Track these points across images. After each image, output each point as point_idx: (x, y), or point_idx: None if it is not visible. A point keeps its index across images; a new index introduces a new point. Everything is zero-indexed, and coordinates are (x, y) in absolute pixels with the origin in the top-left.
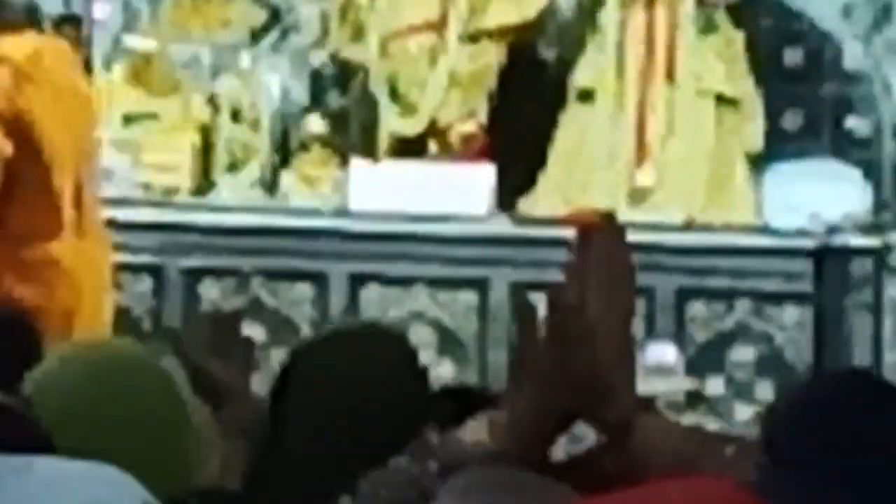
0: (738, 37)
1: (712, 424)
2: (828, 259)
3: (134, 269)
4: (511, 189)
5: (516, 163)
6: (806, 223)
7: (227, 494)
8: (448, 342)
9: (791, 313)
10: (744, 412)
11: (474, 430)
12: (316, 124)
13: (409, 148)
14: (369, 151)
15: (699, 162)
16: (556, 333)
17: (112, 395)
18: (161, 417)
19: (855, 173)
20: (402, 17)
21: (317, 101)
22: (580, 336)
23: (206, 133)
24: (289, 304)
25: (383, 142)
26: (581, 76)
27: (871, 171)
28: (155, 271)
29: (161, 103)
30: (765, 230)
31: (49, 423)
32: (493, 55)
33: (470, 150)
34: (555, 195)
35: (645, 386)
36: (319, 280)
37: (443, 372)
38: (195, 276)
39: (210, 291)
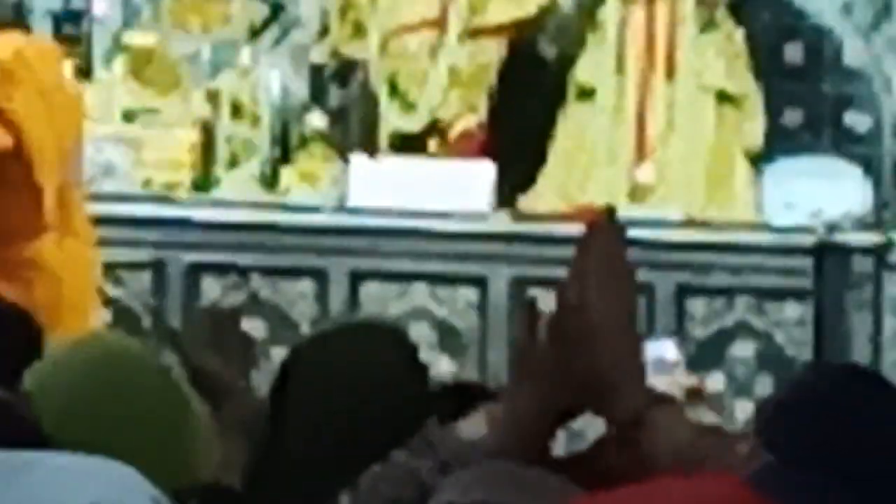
0: (739, 34)
1: (711, 421)
2: (828, 256)
3: (134, 265)
4: (511, 186)
5: (516, 160)
6: (806, 220)
7: (226, 492)
8: (448, 339)
9: (791, 310)
10: (744, 409)
11: (473, 425)
12: (316, 121)
13: (409, 144)
14: (369, 148)
15: (699, 159)
16: (556, 333)
17: (112, 393)
18: (161, 414)
19: (855, 170)
20: (403, 13)
21: (317, 97)
22: (581, 335)
23: (207, 129)
24: (289, 301)
25: (383, 138)
26: (581, 73)
27: (872, 169)
28: (155, 267)
29: (161, 99)
30: (765, 227)
31: (49, 420)
32: (493, 52)
33: (470, 147)
34: (555, 192)
35: None
36: (319, 276)
37: (442, 369)
38: (195, 271)
39: (210, 287)
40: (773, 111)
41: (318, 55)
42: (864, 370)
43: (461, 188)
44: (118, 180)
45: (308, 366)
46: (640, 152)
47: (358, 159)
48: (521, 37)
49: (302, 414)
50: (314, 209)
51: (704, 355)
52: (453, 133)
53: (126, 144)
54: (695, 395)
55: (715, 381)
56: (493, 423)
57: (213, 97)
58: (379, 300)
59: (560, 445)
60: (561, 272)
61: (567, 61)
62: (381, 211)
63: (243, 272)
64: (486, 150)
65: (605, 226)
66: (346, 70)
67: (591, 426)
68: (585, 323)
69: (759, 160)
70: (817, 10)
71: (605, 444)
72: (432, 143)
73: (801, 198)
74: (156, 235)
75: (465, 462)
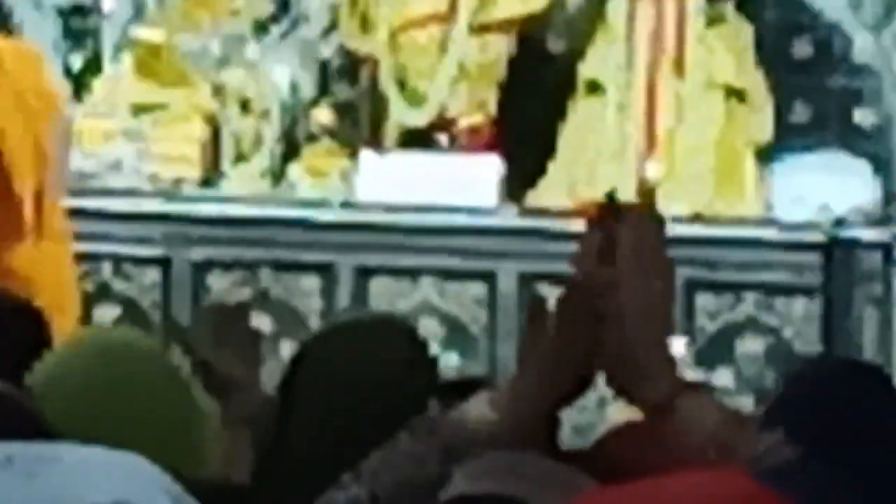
0: (747, 29)
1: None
2: (836, 251)
3: (141, 260)
4: (519, 181)
5: (524, 155)
6: (814, 216)
7: (233, 487)
8: (456, 334)
9: (799, 306)
10: (752, 404)
11: (476, 406)
12: (324, 116)
13: (417, 139)
14: (377, 143)
15: (707, 154)
16: (579, 313)
17: (117, 387)
18: (166, 409)
19: (863, 166)
20: (411, 8)
21: (325, 92)
22: (613, 317)
23: (214, 124)
24: (296, 296)
25: (391, 133)
26: (589, 68)
27: (880, 164)
28: (162, 262)
29: (169, 94)
30: (773, 222)
31: (53, 414)
32: (501, 47)
33: (478, 142)
34: (563, 187)
35: None
36: (327, 271)
37: (450, 364)
38: (203, 267)
39: (218, 283)
40: (781, 107)
41: (326, 50)
42: (862, 364)
43: (469, 183)
44: (125, 175)
45: (316, 361)
46: (648, 148)
47: (365, 154)
48: (530, 32)
49: (310, 409)
50: (322, 204)
51: (712, 351)
52: (462, 128)
53: (134, 139)
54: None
55: (723, 377)
56: (496, 404)
57: (220, 92)
58: (386, 295)
59: (566, 438)
60: (570, 268)
61: (575, 56)
62: (388, 206)
63: (250, 267)
64: (493, 146)
65: (642, 210)
66: (353, 65)
67: (600, 419)
68: (618, 304)
69: (767, 156)
70: (826, 6)
71: (618, 435)
72: (440, 138)
73: (810, 193)
74: (163, 230)
75: (468, 443)
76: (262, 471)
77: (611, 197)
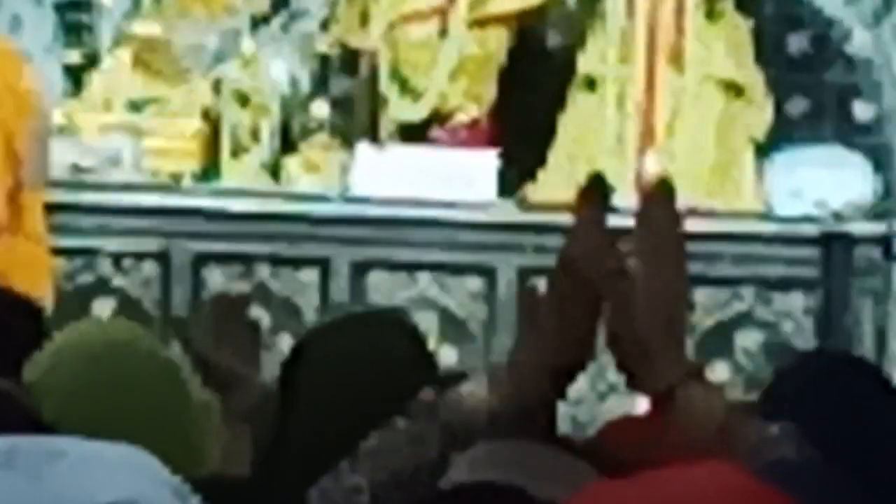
0: (744, 23)
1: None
2: (834, 246)
3: (139, 254)
4: (517, 175)
5: (523, 149)
6: (811, 210)
7: (233, 481)
8: (453, 328)
9: (797, 300)
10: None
11: (473, 387)
12: (322, 110)
13: (415, 133)
14: (375, 137)
15: (705, 148)
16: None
17: (113, 381)
18: (164, 404)
19: (861, 160)
20: (409, 2)
21: (323, 86)
22: (627, 301)
23: (212, 118)
24: (294, 290)
25: (389, 127)
26: (587, 63)
27: (878, 158)
28: (161, 257)
29: (167, 89)
30: (770, 217)
31: (51, 409)
32: (500, 41)
33: (476, 137)
34: (560, 181)
35: None
36: (324, 266)
37: (448, 358)
38: (201, 261)
39: (215, 277)
40: (778, 101)
41: (324, 44)
42: (851, 357)
43: (466, 177)
44: (123, 170)
45: (315, 356)
46: (647, 142)
47: (363, 148)
48: (528, 26)
49: (309, 403)
50: (319, 198)
51: (710, 345)
52: (459, 122)
53: (131, 134)
54: None
55: (720, 371)
56: (493, 384)
57: (217, 86)
58: (384, 289)
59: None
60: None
61: (573, 51)
62: (385, 200)
63: (248, 261)
64: (491, 140)
65: (660, 196)
66: (351, 59)
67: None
68: (630, 290)
69: (765, 150)
70: (824, 0)
71: (616, 429)
72: (436, 133)
73: (807, 187)
74: (160, 225)
75: (466, 424)
76: (261, 465)
77: (597, 178)
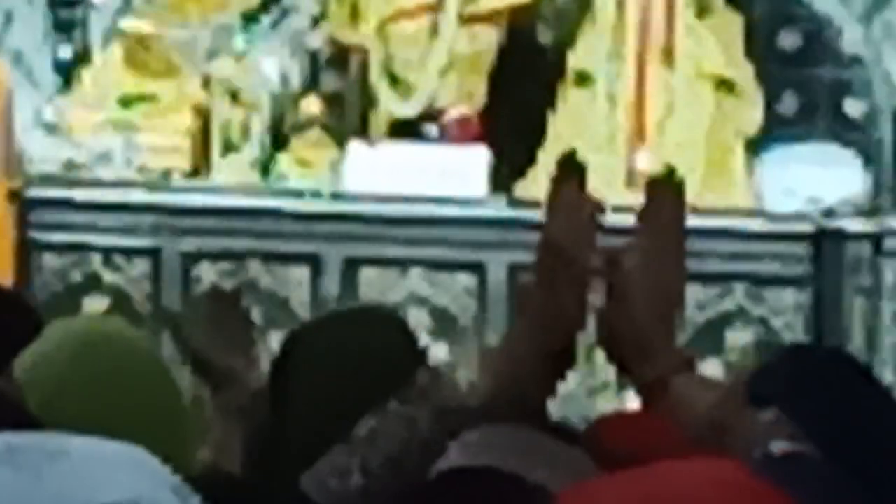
0: (736, 19)
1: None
2: (825, 243)
3: (131, 251)
4: (508, 171)
5: (514, 145)
6: (803, 207)
7: (224, 477)
8: (445, 324)
9: (788, 297)
10: None
11: (467, 372)
12: (313, 106)
13: (406, 130)
14: (366, 133)
15: (696, 145)
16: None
17: (100, 377)
18: (152, 401)
19: (853, 157)
20: None
21: (314, 83)
22: (621, 293)
23: (203, 115)
24: (285, 286)
25: (380, 124)
26: (578, 59)
27: (869, 155)
28: (152, 253)
29: (158, 85)
30: (762, 214)
31: (37, 404)
32: (490, 38)
33: (467, 133)
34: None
35: None
36: (315, 262)
37: (439, 355)
38: (192, 258)
39: (207, 273)
40: (770, 98)
41: (315, 41)
42: (832, 351)
43: (458, 174)
44: (114, 166)
45: (306, 351)
46: (638, 139)
47: (355, 145)
48: (519, 22)
49: (300, 399)
50: (311, 195)
51: (702, 342)
52: (450, 119)
53: (122, 130)
54: None
55: (712, 368)
56: (486, 367)
57: (209, 83)
58: (375, 286)
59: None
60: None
61: (564, 47)
62: (377, 197)
63: (240, 258)
64: (482, 136)
65: (668, 189)
66: (342, 56)
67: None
68: (625, 280)
69: (756, 146)
70: None
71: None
72: (428, 129)
73: (799, 184)
74: (151, 221)
75: (460, 407)
76: (252, 461)
77: (569, 158)
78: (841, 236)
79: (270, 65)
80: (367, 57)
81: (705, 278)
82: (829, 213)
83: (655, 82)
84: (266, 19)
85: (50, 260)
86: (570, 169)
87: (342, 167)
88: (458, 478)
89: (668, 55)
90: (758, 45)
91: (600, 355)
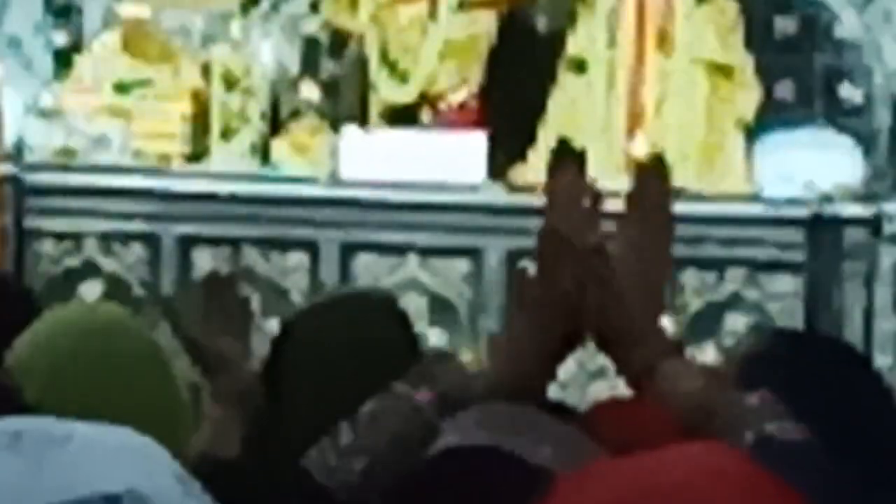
0: (733, 5)
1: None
2: (821, 228)
3: (127, 237)
4: (505, 157)
5: (509, 131)
6: (800, 192)
7: (221, 462)
8: (442, 310)
9: (784, 282)
10: None
11: (472, 358)
12: (308, 92)
13: (402, 116)
14: (362, 119)
15: (692, 131)
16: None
17: (100, 365)
18: (148, 387)
19: (848, 142)
20: None
21: (309, 68)
22: (608, 278)
23: (199, 101)
24: (282, 272)
25: (377, 110)
26: (575, 45)
27: (865, 141)
28: (148, 239)
29: (154, 71)
30: (757, 199)
31: (34, 390)
32: (485, 24)
33: (464, 119)
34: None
35: None
36: (312, 248)
37: (435, 340)
38: (188, 243)
39: (203, 259)
40: (765, 83)
41: (311, 26)
42: (822, 337)
43: (454, 160)
44: (111, 152)
45: (302, 336)
46: (633, 125)
47: (351, 131)
48: (515, 8)
49: (296, 384)
50: (306, 181)
51: (697, 328)
52: (446, 104)
53: (118, 116)
54: None
55: (708, 354)
56: (493, 353)
57: (205, 69)
58: (371, 272)
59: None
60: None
61: (559, 33)
62: (373, 183)
63: (236, 244)
64: (478, 122)
65: (653, 173)
66: (339, 41)
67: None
68: (611, 268)
69: (752, 132)
70: None
71: (601, 411)
72: (425, 115)
73: (794, 170)
74: (148, 207)
75: (464, 392)
76: (250, 446)
77: (564, 145)
78: (838, 222)
79: (268, 50)
80: (363, 42)
81: (701, 264)
82: (826, 198)
83: (652, 68)
84: (264, 4)
85: (46, 246)
86: (567, 156)
87: (339, 153)
88: (453, 457)
89: (665, 41)
90: (755, 31)
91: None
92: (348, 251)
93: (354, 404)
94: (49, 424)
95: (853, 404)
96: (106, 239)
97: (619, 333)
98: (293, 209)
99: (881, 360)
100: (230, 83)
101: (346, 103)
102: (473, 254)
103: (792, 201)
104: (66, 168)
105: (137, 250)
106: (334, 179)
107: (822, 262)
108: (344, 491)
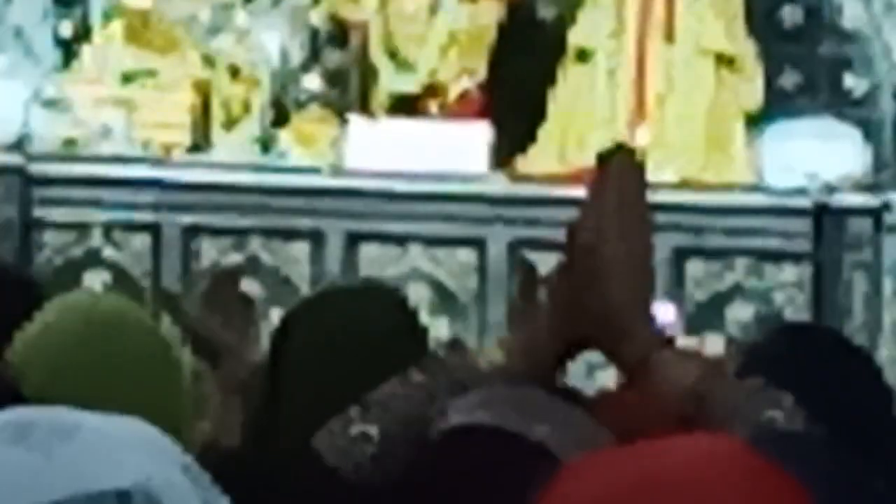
0: None
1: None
2: (826, 218)
3: (132, 226)
4: (508, 147)
5: (514, 121)
6: (804, 182)
7: (224, 451)
8: (445, 300)
9: (789, 272)
10: None
11: (486, 347)
12: (313, 82)
13: (406, 106)
14: (367, 110)
15: (697, 121)
16: (568, 272)
17: (104, 355)
18: (152, 377)
19: (853, 132)
20: None
21: (314, 59)
22: (593, 276)
23: (204, 91)
24: (286, 262)
25: (381, 100)
26: (579, 35)
27: (870, 131)
28: (153, 228)
29: (159, 61)
30: (763, 189)
31: (38, 380)
32: (491, 14)
33: (468, 109)
34: (552, 154)
35: None
36: (317, 238)
37: (440, 330)
38: (193, 233)
39: (207, 249)
40: (771, 73)
41: (316, 17)
42: (818, 328)
43: (459, 150)
44: (115, 142)
45: (306, 326)
46: (638, 114)
47: (355, 121)
48: None
49: (300, 374)
50: (311, 171)
51: (702, 317)
52: (451, 95)
53: (123, 106)
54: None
55: (714, 343)
56: (505, 346)
57: (210, 59)
58: (376, 261)
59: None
60: (558, 234)
61: (565, 23)
62: (378, 173)
63: (240, 234)
64: (483, 112)
65: (624, 161)
66: (343, 32)
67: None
68: (598, 263)
69: (756, 122)
70: None
71: (604, 401)
72: (430, 105)
73: (799, 160)
74: (152, 197)
75: (477, 382)
76: (253, 436)
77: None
78: (842, 212)
79: (271, 41)
80: (367, 33)
81: (706, 254)
82: (829, 188)
83: (656, 58)
84: None
85: (51, 236)
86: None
87: (343, 143)
88: (456, 436)
89: (669, 31)
90: (759, 22)
91: None
92: (352, 241)
93: (357, 394)
94: (56, 415)
95: (850, 396)
96: (110, 229)
97: (608, 328)
98: (297, 199)
99: (884, 349)
100: (234, 74)
101: (352, 94)
102: (477, 243)
103: (796, 191)
104: (70, 158)
105: (141, 240)
106: (338, 169)
107: (826, 251)
108: (354, 472)
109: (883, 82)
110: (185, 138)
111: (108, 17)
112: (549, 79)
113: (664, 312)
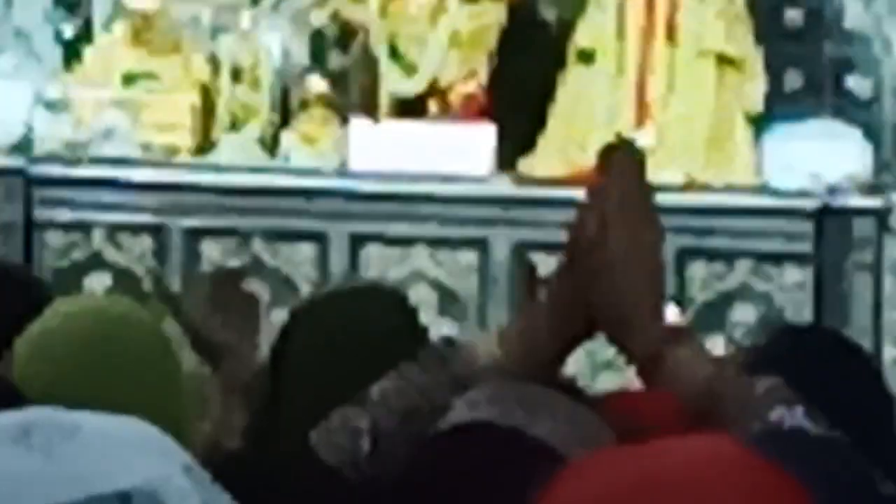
0: None
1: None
2: (828, 219)
3: (134, 229)
4: (511, 149)
5: (517, 123)
6: (806, 183)
7: (225, 452)
8: (448, 302)
9: (791, 273)
10: None
11: (485, 342)
12: (316, 84)
13: (409, 108)
14: (370, 111)
15: (699, 122)
16: (573, 265)
17: (104, 355)
18: (152, 377)
19: (856, 133)
20: None
21: (317, 61)
22: (600, 270)
23: (207, 93)
24: (289, 264)
25: (384, 102)
26: (581, 36)
27: (872, 132)
28: (156, 231)
29: (162, 63)
30: (765, 190)
31: (42, 382)
32: (493, 15)
33: (470, 111)
34: (555, 155)
35: None
36: (320, 240)
37: (442, 332)
38: (196, 235)
39: (211, 251)
40: (773, 74)
41: (319, 18)
42: (820, 329)
43: (462, 151)
44: (118, 144)
45: (308, 327)
46: (640, 115)
47: (358, 123)
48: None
49: (302, 375)
50: (314, 172)
51: (705, 319)
52: (454, 96)
53: (126, 108)
54: None
55: (715, 345)
56: (505, 343)
57: (213, 61)
58: (379, 263)
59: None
60: (562, 235)
61: (567, 24)
62: (381, 174)
63: (244, 236)
64: (486, 113)
65: (625, 155)
66: (346, 33)
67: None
68: (605, 257)
69: (759, 123)
70: None
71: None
72: (433, 106)
73: (802, 161)
74: (156, 199)
75: (476, 376)
76: (255, 437)
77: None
78: (845, 213)
79: (274, 42)
80: (370, 34)
81: (709, 255)
82: (832, 189)
83: (658, 59)
84: None
85: (53, 237)
86: (626, 161)
87: (346, 145)
88: (458, 433)
89: (672, 32)
90: (762, 23)
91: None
92: (356, 243)
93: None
94: (57, 416)
95: (851, 398)
96: (113, 231)
97: (621, 323)
98: (301, 201)
99: (888, 351)
100: (237, 75)
101: (355, 95)
102: (481, 245)
103: (800, 192)
104: (73, 160)
105: (144, 242)
106: (341, 171)
107: (829, 253)
108: (352, 470)
109: (886, 83)
110: (188, 140)
111: (111, 18)
112: (552, 80)
113: (668, 314)
